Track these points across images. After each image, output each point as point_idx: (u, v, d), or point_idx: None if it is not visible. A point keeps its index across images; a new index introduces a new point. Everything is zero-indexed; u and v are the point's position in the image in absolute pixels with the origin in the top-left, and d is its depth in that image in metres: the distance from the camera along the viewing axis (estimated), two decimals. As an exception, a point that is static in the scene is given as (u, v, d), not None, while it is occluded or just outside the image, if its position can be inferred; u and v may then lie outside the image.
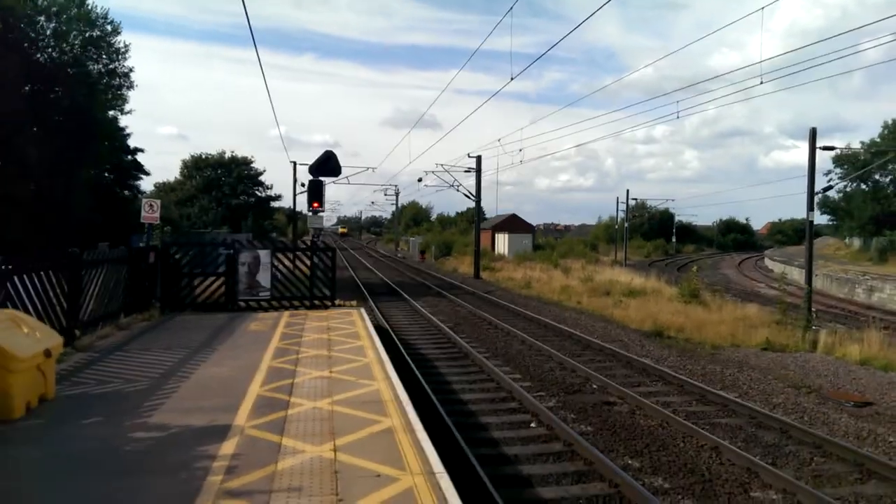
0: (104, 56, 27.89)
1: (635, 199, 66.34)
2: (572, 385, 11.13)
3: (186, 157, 57.31)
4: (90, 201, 27.04)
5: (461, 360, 13.13)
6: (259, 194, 57.33)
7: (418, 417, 6.21)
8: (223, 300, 14.10)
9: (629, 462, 7.57)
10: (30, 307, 8.25)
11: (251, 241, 17.92)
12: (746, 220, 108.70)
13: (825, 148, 20.32)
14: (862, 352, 13.66)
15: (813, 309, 18.20)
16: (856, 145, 53.21)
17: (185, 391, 7.14)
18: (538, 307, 22.23)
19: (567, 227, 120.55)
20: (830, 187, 28.13)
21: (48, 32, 25.34)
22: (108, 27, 27.85)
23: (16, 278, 8.19)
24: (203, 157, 54.99)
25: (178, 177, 54.68)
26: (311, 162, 18.73)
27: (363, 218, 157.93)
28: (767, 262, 59.28)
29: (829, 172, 55.89)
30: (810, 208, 17.77)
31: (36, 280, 8.69)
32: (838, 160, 54.98)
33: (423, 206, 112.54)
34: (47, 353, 6.45)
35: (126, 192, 36.48)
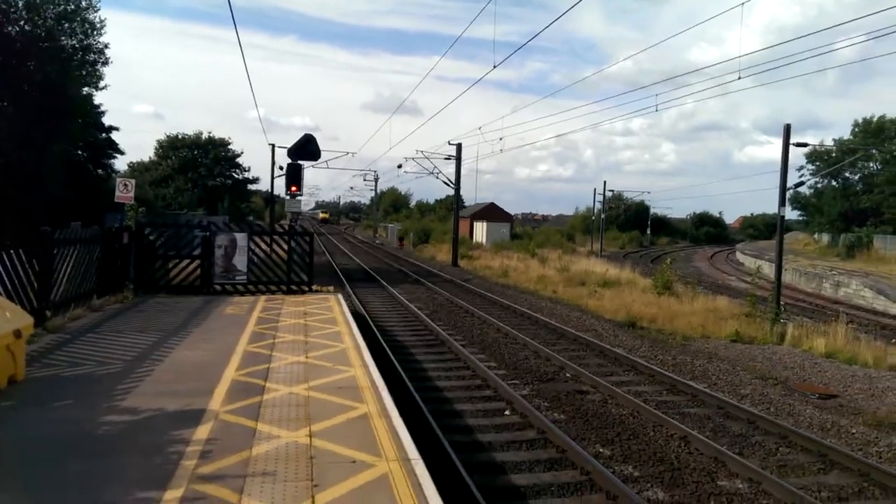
0: (78, 31, 27.14)
1: (612, 191, 67.04)
2: (546, 373, 11.27)
3: (162, 136, 56.25)
4: (63, 178, 26.42)
5: (437, 347, 13.19)
6: (236, 176, 56.49)
7: (394, 404, 6.25)
8: (198, 283, 13.94)
9: (601, 450, 7.72)
10: (-1, 287, 8.08)
11: (227, 223, 17.72)
12: (719, 213, 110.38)
13: (798, 144, 20.75)
14: (827, 345, 14.04)
15: (781, 302, 18.62)
16: (829, 143, 54.34)
17: (158, 374, 7.08)
18: (514, 296, 22.38)
19: (545, 217, 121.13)
20: (802, 183, 28.77)
21: (20, 4, 24.56)
22: (83, 1, 27.08)
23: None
24: (179, 137, 53.96)
25: (153, 157, 53.64)
26: (290, 145, 18.57)
27: (342, 203, 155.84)
28: (738, 255, 60.33)
29: (801, 168, 57.14)
30: (782, 203, 18.11)
31: (5, 258, 8.49)
32: (811, 157, 56.13)
33: (403, 193, 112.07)
34: (17, 334, 6.34)
35: (100, 171, 35.66)
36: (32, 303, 9.00)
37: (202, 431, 5.26)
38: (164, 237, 14.25)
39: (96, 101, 31.95)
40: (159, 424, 5.43)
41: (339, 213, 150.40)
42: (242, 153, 55.81)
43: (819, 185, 58.97)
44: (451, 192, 38.26)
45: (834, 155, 52.79)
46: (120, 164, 40.99)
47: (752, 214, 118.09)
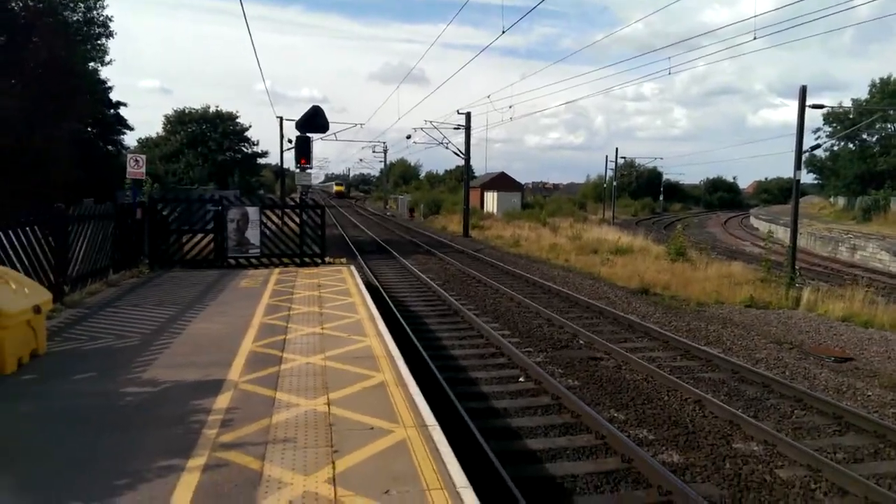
0: (81, 4, 26.97)
1: (624, 158, 66.44)
2: (560, 341, 11.30)
3: (169, 111, 56.13)
4: (73, 155, 26.50)
5: (451, 316, 13.25)
6: (245, 150, 56.42)
7: (410, 372, 6.30)
8: (212, 257, 14.04)
9: (615, 415, 7.76)
10: (17, 263, 8.17)
11: (239, 197, 17.74)
12: (733, 178, 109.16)
13: (815, 106, 20.28)
14: (844, 308, 13.94)
15: (797, 267, 18.46)
16: (846, 104, 53.26)
17: (177, 347, 7.17)
18: (527, 265, 22.36)
19: (556, 186, 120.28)
20: (819, 146, 28.31)
21: (22, -21, 24.38)
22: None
23: (1, 234, 8.09)
24: (187, 111, 53.80)
25: (162, 132, 53.60)
26: (298, 118, 18.45)
27: (351, 175, 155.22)
28: (753, 220, 59.76)
29: (817, 130, 56.06)
30: (798, 167, 17.82)
31: (22, 236, 8.58)
32: (828, 118, 55.02)
33: (412, 164, 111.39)
34: (37, 310, 6.43)
35: (109, 148, 35.78)
36: (50, 279, 9.11)
37: (222, 401, 5.34)
38: (177, 212, 14.32)
39: (102, 76, 31.96)
40: (180, 395, 5.52)
41: (348, 186, 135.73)
42: (251, 127, 55.68)
43: (835, 148, 57.95)
44: (461, 162, 38.04)
45: (851, 117, 51.74)
46: (129, 139, 41.12)
47: (766, 179, 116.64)
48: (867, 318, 13.31)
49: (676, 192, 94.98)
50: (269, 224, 14.47)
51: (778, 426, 7.48)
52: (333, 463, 4.18)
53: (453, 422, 6.87)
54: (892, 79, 52.29)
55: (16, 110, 22.08)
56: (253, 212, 14.22)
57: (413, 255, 24.81)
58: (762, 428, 7.12)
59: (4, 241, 8.12)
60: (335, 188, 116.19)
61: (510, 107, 68.55)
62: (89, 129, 33.07)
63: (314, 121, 18.16)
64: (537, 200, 64.20)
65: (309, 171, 27.17)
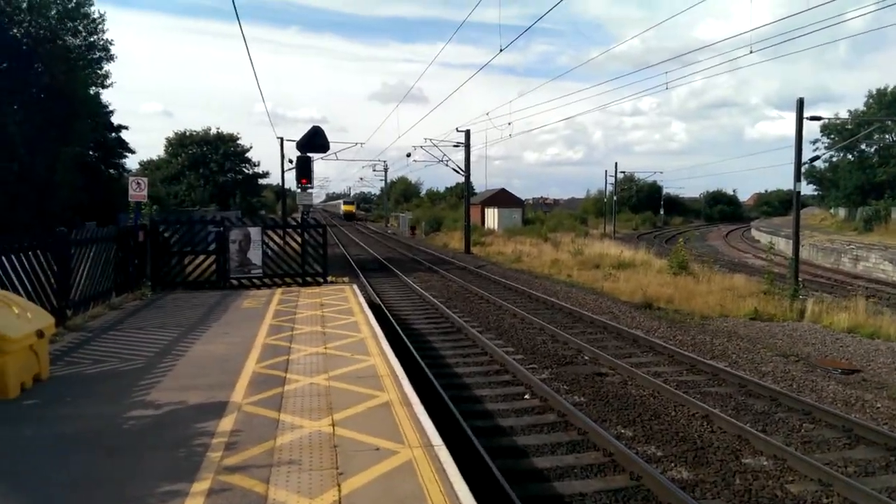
0: (81, 29, 27.26)
1: (623, 172, 66.70)
2: (564, 357, 11.23)
3: (171, 134, 56.52)
4: (76, 179, 26.64)
5: (454, 334, 13.19)
6: (246, 171, 56.77)
7: (414, 391, 6.25)
8: (215, 278, 14.03)
9: (622, 431, 7.69)
10: (19, 287, 8.16)
11: (241, 218, 17.78)
12: (733, 191, 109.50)
13: (812, 118, 20.37)
14: (849, 320, 13.87)
15: (799, 278, 18.41)
16: (843, 115, 53.50)
17: (180, 369, 7.13)
18: (529, 281, 22.32)
19: (556, 201, 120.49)
20: (818, 157, 28.42)
21: (24, 6, 24.67)
22: (85, -3, 27.15)
23: (3, 258, 8.09)
24: (188, 133, 54.21)
25: (164, 154, 53.95)
26: (298, 138, 18.56)
27: (352, 194, 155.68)
28: (754, 232, 59.74)
29: (815, 142, 56.25)
30: (797, 179, 17.85)
31: (24, 260, 8.58)
32: (825, 129, 55.24)
33: (413, 182, 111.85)
34: (40, 334, 6.40)
35: (111, 171, 35.98)
36: (53, 302, 9.10)
37: (226, 423, 5.30)
38: (179, 234, 14.33)
39: (104, 100, 32.22)
40: (184, 418, 5.48)
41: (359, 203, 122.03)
42: (251, 148, 56.14)
43: (834, 159, 58.09)
44: (461, 179, 38.13)
45: (849, 127, 51.95)
46: (131, 162, 41.38)
47: (766, 191, 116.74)
48: (873, 330, 13.24)
49: (677, 205, 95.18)
50: (271, 244, 14.47)
51: (787, 440, 7.40)
52: (339, 485, 4.13)
53: (459, 440, 6.80)
54: (888, 89, 52.59)
55: (19, 136, 22.24)
56: (255, 232, 14.23)
57: (415, 272, 24.78)
58: (771, 442, 7.04)
59: (7, 266, 8.12)
60: (343, 208, 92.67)
61: (509, 123, 68.42)
62: (91, 152, 33.28)
63: (315, 140, 18.25)
64: (538, 216, 64.30)
65: (310, 190, 27.26)
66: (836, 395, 9.25)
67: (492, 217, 57.21)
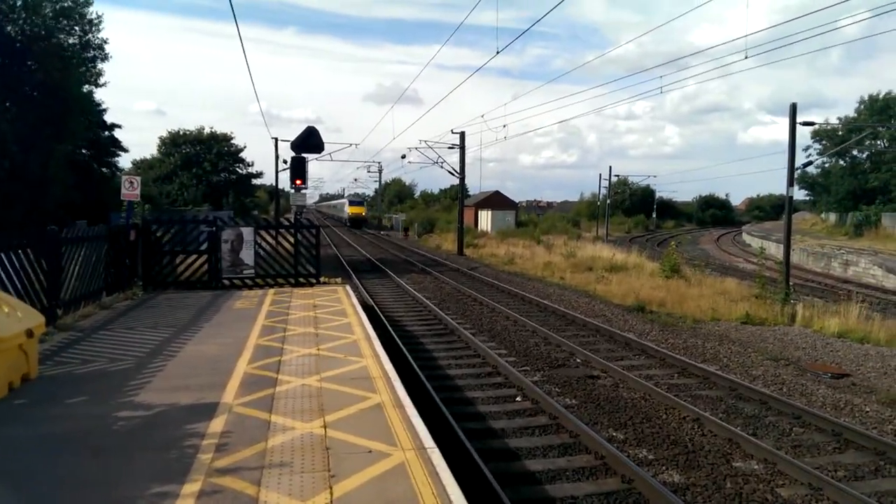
0: (76, 28, 27.10)
1: (617, 176, 66.72)
2: (556, 359, 11.25)
3: (164, 133, 56.26)
4: (68, 178, 26.44)
5: (447, 336, 13.19)
6: (240, 171, 56.56)
7: (407, 393, 6.24)
8: (207, 278, 13.96)
9: (614, 434, 7.70)
10: (9, 286, 8.09)
11: (233, 218, 17.72)
12: (726, 195, 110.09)
13: (805, 123, 20.52)
14: (839, 324, 13.96)
15: (790, 283, 18.51)
16: (834, 121, 53.91)
17: (171, 369, 7.09)
18: (522, 283, 22.35)
19: (550, 204, 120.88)
20: (811, 163, 28.55)
21: (18, 4, 24.50)
22: (79, -4, 26.98)
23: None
24: (181, 133, 53.97)
25: (157, 154, 53.69)
26: (292, 138, 18.50)
27: (346, 195, 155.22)
28: (745, 237, 60.00)
29: (807, 148, 56.64)
30: (791, 183, 17.94)
31: (14, 258, 8.51)
32: (817, 135, 55.66)
33: (407, 184, 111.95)
34: (29, 333, 6.35)
35: (104, 170, 35.71)
36: (43, 301, 9.03)
37: (217, 424, 5.27)
38: (171, 233, 14.24)
39: (97, 98, 31.98)
40: (174, 419, 5.44)
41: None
42: (245, 148, 55.92)
43: (826, 165, 58.52)
44: (456, 181, 38.12)
45: (840, 133, 52.37)
46: (124, 161, 41.14)
47: (758, 195, 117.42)
48: (863, 334, 13.33)
49: (669, 209, 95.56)
50: (264, 244, 14.42)
51: (777, 444, 7.44)
52: (331, 488, 4.12)
53: (451, 442, 6.79)
54: (880, 96, 53.03)
55: (12, 134, 22.08)
56: (247, 232, 14.18)
57: (408, 273, 24.76)
58: (762, 446, 7.08)
59: (-3, 264, 8.05)
60: (349, 210, 73.56)
61: (504, 126, 68.66)
62: (84, 151, 33.05)
63: (309, 141, 18.19)
64: (531, 219, 64.41)
65: (304, 191, 27.22)
66: (825, 399, 9.30)
67: (485, 219, 57.27)
